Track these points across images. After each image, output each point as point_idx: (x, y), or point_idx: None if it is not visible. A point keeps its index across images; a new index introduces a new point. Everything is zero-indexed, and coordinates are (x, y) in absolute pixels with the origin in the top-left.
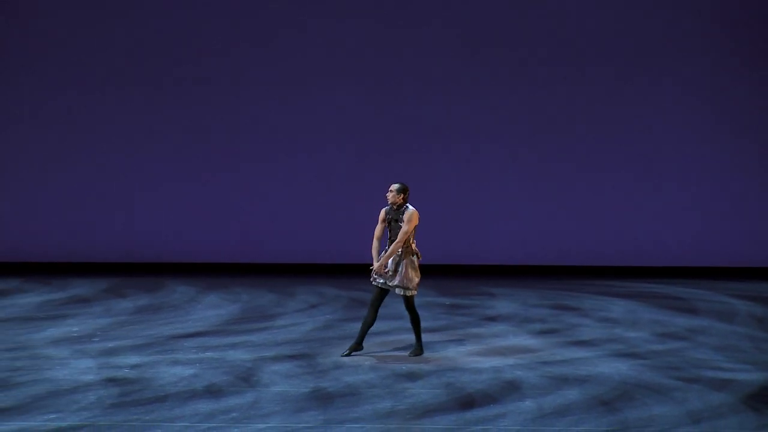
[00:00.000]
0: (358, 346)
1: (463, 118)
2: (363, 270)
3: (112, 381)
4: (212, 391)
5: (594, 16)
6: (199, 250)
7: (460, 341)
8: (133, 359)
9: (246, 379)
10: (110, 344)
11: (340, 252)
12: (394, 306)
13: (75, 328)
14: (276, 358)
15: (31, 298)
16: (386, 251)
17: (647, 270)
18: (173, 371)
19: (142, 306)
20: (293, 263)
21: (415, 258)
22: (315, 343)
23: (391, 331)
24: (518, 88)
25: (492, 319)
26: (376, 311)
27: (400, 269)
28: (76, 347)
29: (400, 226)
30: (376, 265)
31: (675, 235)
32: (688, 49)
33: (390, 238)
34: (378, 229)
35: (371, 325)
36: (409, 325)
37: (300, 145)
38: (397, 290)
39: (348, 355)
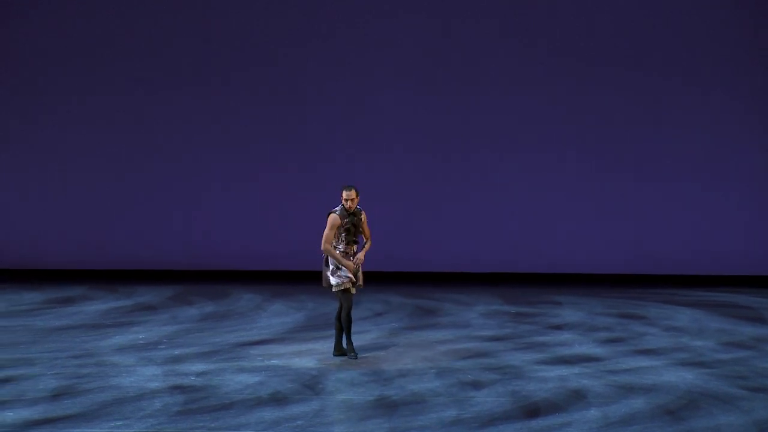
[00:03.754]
0: (342, 350)
1: (524, 124)
2: (429, 278)
3: (177, 388)
4: (277, 399)
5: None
6: (266, 258)
7: (525, 349)
8: (199, 367)
9: (311, 386)
10: (176, 352)
11: (405, 260)
12: (460, 315)
13: (141, 336)
14: (341, 366)
15: (97, 305)
16: (362, 250)
17: (713, 279)
18: (239, 379)
19: (208, 313)
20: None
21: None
22: (380, 351)
23: (458, 340)
24: (581, 91)
25: (557, 327)
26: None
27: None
28: (142, 354)
29: (360, 229)
30: (354, 261)
31: (742, 243)
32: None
33: (347, 239)
34: (331, 235)
35: (343, 328)
36: (476, 333)
37: (364, 152)
38: (355, 287)
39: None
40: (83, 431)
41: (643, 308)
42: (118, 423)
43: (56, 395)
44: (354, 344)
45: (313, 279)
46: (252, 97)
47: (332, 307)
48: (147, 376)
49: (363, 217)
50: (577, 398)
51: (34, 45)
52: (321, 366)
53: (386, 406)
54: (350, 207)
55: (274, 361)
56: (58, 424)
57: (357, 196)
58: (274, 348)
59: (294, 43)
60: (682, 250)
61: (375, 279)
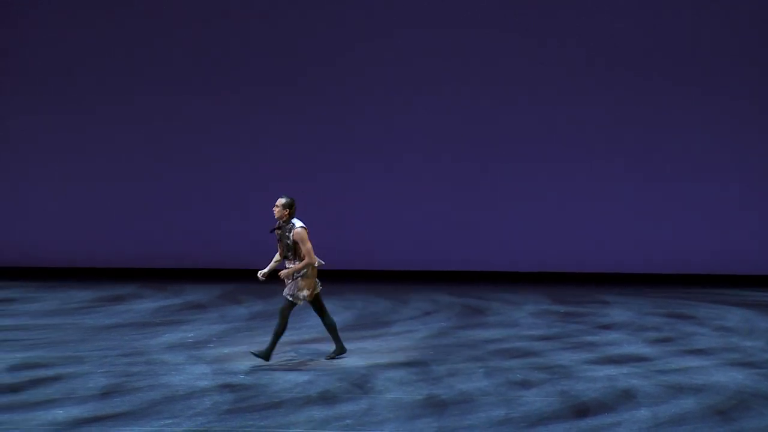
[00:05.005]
0: (269, 354)
1: (569, 126)
2: (477, 277)
3: (227, 387)
4: (326, 398)
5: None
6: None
7: (574, 349)
8: (248, 365)
9: (360, 385)
10: (225, 350)
11: (453, 259)
12: (509, 314)
13: (190, 334)
14: (390, 365)
15: (147, 303)
16: (294, 266)
17: (763, 279)
18: (288, 377)
19: (256, 312)
20: (407, 270)
21: (310, 271)
22: (429, 350)
23: (506, 339)
24: (625, 97)
25: (606, 327)
26: (286, 320)
27: (295, 278)
28: (191, 353)
29: (288, 244)
30: (283, 272)
31: None
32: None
33: (280, 252)
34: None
35: (280, 328)
36: (525, 332)
37: (417, 151)
38: (287, 295)
39: (257, 354)
40: (132, 429)
41: (692, 308)
42: (168, 421)
43: (106, 393)
44: (401, 343)
45: (362, 278)
46: (297, 98)
47: (381, 306)
48: (196, 374)
49: (293, 235)
50: (626, 398)
51: (83, 44)
52: (370, 365)
53: (435, 405)
54: (278, 217)
55: (323, 360)
56: (108, 422)
57: (283, 207)
58: (323, 347)
59: (327, 47)
60: (731, 250)
61: (424, 278)
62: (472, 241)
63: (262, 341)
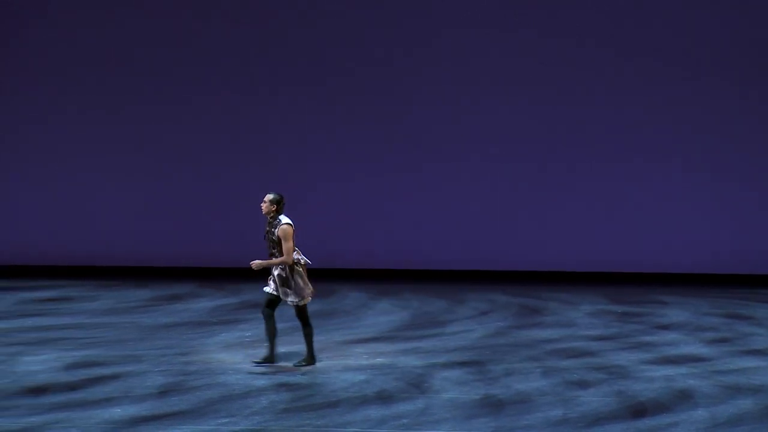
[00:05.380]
0: (272, 358)
1: (629, 128)
2: (534, 277)
3: (284, 386)
4: (383, 397)
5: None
6: (372, 256)
7: (631, 349)
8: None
9: (417, 385)
10: (282, 349)
11: (510, 259)
12: (565, 314)
13: (247, 333)
14: (447, 365)
15: (204, 303)
16: (282, 267)
17: None
18: (344, 377)
19: (314, 311)
20: (464, 270)
21: (301, 268)
22: (485, 350)
23: (563, 339)
24: (691, 98)
25: (664, 327)
26: (273, 320)
27: (292, 284)
28: (248, 352)
29: (273, 239)
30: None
31: None
32: None
33: (268, 248)
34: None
35: (276, 333)
36: (582, 332)
37: (476, 151)
38: (289, 301)
39: (259, 364)
40: (190, 428)
41: (750, 308)
42: (225, 420)
43: (163, 392)
44: (458, 343)
45: (418, 278)
46: (367, 97)
47: (437, 306)
48: (253, 373)
49: (279, 231)
50: (683, 398)
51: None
52: (426, 364)
53: (492, 405)
54: (265, 213)
55: (380, 360)
56: (165, 421)
57: (270, 203)
58: (379, 346)
59: (409, 44)
60: None
61: (480, 278)
62: (529, 241)
63: (319, 341)
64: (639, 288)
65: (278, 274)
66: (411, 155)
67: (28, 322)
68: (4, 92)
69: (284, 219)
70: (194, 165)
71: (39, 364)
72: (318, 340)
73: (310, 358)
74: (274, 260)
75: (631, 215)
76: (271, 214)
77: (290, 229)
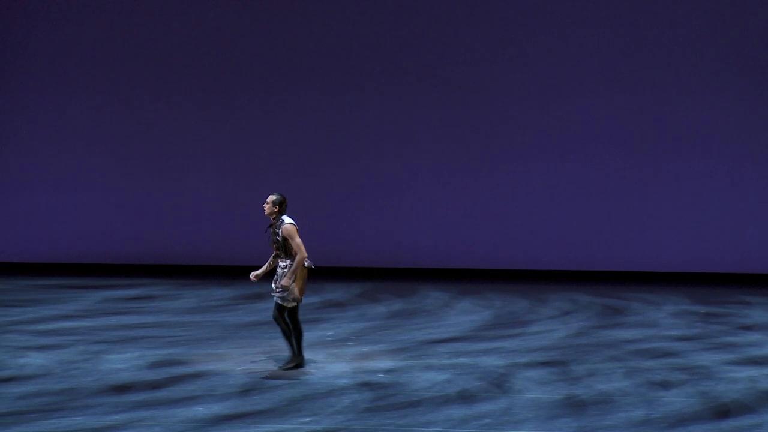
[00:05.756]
0: (298, 360)
1: (720, 126)
2: (617, 277)
3: (366, 385)
4: (465, 397)
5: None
6: (454, 256)
7: (714, 350)
8: (387, 364)
9: (499, 385)
10: (364, 349)
11: (593, 259)
12: (648, 314)
13: (330, 332)
14: (529, 365)
15: None
16: (288, 267)
17: None
18: (426, 376)
19: (396, 311)
20: (546, 270)
21: (305, 271)
22: (568, 349)
23: (646, 339)
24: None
25: (747, 327)
26: (286, 322)
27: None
28: (330, 351)
29: (278, 240)
30: (284, 281)
31: None
32: None
33: (273, 251)
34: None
35: (295, 333)
36: (665, 332)
37: (554, 151)
38: (278, 299)
39: (289, 368)
40: (272, 427)
41: None
42: (307, 419)
43: (245, 391)
44: (540, 343)
45: (500, 277)
46: (446, 97)
47: (519, 306)
48: (335, 372)
49: (282, 231)
50: (767, 400)
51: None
52: (509, 364)
53: (574, 405)
54: (267, 214)
55: (462, 359)
56: (248, 419)
57: (273, 204)
58: (461, 346)
59: (490, 43)
60: None
61: (563, 278)
62: (612, 241)
63: (401, 340)
64: (722, 288)
65: (284, 268)
66: (495, 155)
67: (112, 320)
68: (78, 94)
69: (287, 219)
70: (276, 164)
71: (123, 363)
72: (400, 339)
73: (298, 358)
74: (296, 262)
75: (715, 215)
76: (274, 215)
77: (294, 228)
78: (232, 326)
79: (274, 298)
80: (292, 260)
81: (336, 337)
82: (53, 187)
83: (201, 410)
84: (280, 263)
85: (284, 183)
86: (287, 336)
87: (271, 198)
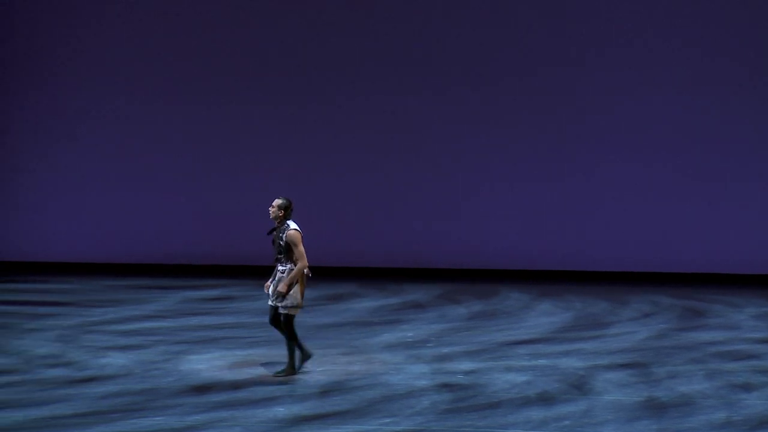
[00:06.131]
0: (307, 358)
1: None
2: (698, 279)
3: (445, 386)
4: (545, 399)
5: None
6: (534, 257)
7: None
8: (467, 365)
9: (579, 387)
10: (444, 350)
11: (674, 260)
12: (730, 316)
13: (409, 334)
14: (609, 367)
15: (366, 302)
16: (287, 273)
17: None
18: (506, 378)
19: (475, 312)
20: (627, 271)
21: (304, 278)
22: (649, 352)
23: (727, 341)
24: None
25: None
26: (282, 328)
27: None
28: (410, 352)
29: (280, 245)
30: (280, 286)
31: None
32: None
33: (275, 255)
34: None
35: (290, 339)
36: (747, 335)
37: (636, 153)
38: (280, 306)
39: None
40: (351, 428)
41: None
42: (386, 420)
43: (325, 392)
44: (620, 345)
45: (580, 279)
46: (533, 99)
47: (600, 307)
48: (415, 373)
49: (286, 236)
50: None
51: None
52: (589, 366)
53: (655, 408)
54: (273, 218)
55: (542, 361)
56: (327, 420)
57: (278, 208)
58: (541, 347)
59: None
60: None
61: (644, 280)
62: (692, 242)
63: (481, 341)
64: None
65: (283, 272)
66: (578, 157)
67: (193, 321)
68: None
69: (292, 224)
70: (355, 164)
71: (203, 363)
72: (480, 340)
73: (291, 369)
74: (294, 272)
75: None
76: (279, 219)
77: (298, 235)
78: (312, 327)
79: (271, 303)
80: (293, 265)
81: (416, 338)
82: (133, 187)
83: (281, 411)
84: (279, 267)
85: (365, 183)
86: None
87: (277, 202)
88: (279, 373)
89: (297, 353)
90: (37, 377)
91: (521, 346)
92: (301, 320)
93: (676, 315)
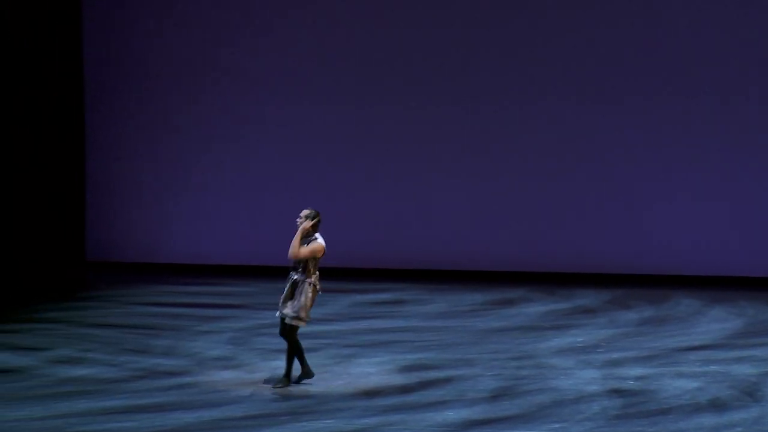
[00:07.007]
0: (285, 381)
1: None
2: None
3: (616, 392)
4: (716, 405)
5: None
6: (707, 262)
7: None
8: (637, 371)
9: (750, 393)
10: (614, 355)
11: None
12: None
13: (580, 339)
14: None
15: (536, 307)
16: (301, 282)
17: None
18: (677, 384)
19: (646, 317)
20: None
21: (311, 288)
22: None
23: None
24: None
25: None
26: (296, 340)
27: (300, 297)
28: (580, 357)
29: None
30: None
31: None
32: None
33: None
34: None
35: (291, 350)
36: None
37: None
38: (286, 315)
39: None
40: None
41: None
42: (556, 425)
43: (495, 396)
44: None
45: (753, 285)
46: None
47: None
48: (585, 379)
49: (309, 245)
50: None
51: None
52: (761, 372)
53: None
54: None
55: (713, 367)
56: (497, 424)
57: (306, 218)
58: (713, 353)
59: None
60: None
61: None
62: None
63: (652, 347)
64: None
65: (295, 279)
66: (743, 158)
67: (362, 324)
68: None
69: (319, 238)
70: (528, 170)
71: (373, 366)
72: (651, 346)
73: (287, 380)
74: (299, 233)
75: None
76: (307, 230)
77: (320, 247)
78: (482, 331)
79: (278, 315)
80: (307, 276)
81: (586, 343)
82: (308, 191)
83: (451, 415)
84: (293, 275)
85: (529, 188)
86: (300, 353)
87: (304, 213)
88: (277, 384)
89: (296, 364)
90: (209, 379)
91: (692, 352)
92: (472, 325)
93: None
